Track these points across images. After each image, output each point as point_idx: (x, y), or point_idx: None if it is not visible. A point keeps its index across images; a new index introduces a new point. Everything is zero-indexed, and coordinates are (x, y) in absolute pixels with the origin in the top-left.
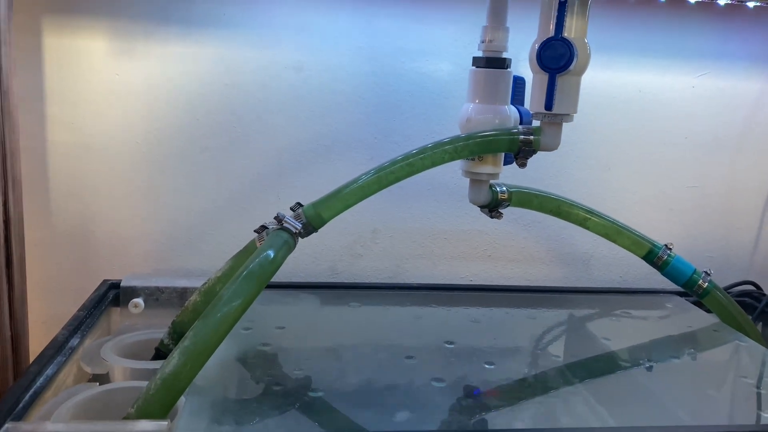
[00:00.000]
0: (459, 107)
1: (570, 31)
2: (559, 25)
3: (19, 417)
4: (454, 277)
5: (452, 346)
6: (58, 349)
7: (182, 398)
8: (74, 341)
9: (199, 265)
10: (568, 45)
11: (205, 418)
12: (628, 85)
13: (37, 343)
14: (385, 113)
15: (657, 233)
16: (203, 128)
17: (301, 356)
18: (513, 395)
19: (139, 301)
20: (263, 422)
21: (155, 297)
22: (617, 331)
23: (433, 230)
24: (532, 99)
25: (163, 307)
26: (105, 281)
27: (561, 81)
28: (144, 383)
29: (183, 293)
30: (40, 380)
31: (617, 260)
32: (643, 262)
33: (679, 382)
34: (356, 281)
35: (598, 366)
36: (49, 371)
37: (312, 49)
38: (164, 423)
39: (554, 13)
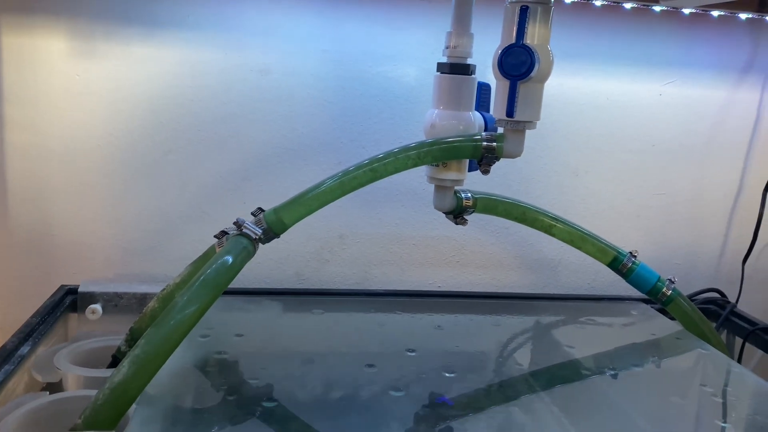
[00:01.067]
0: (424, 111)
1: (532, 38)
2: (521, 31)
3: None
4: (423, 284)
5: (413, 354)
6: (6, 357)
7: (133, 407)
8: (24, 349)
9: (162, 270)
10: (529, 52)
11: (155, 428)
12: (596, 92)
13: None
14: (352, 117)
15: (624, 240)
16: (166, 131)
17: (259, 365)
18: (472, 405)
19: (97, 307)
20: None
21: (114, 303)
22: (581, 339)
23: (402, 236)
24: (495, 106)
25: (122, 314)
26: (62, 286)
27: (523, 88)
28: (92, 391)
29: (142, 299)
30: None
31: (585, 267)
32: (610, 271)
33: (641, 391)
34: (322, 287)
35: (561, 374)
36: None
37: (278, 52)
38: None
39: (516, 20)
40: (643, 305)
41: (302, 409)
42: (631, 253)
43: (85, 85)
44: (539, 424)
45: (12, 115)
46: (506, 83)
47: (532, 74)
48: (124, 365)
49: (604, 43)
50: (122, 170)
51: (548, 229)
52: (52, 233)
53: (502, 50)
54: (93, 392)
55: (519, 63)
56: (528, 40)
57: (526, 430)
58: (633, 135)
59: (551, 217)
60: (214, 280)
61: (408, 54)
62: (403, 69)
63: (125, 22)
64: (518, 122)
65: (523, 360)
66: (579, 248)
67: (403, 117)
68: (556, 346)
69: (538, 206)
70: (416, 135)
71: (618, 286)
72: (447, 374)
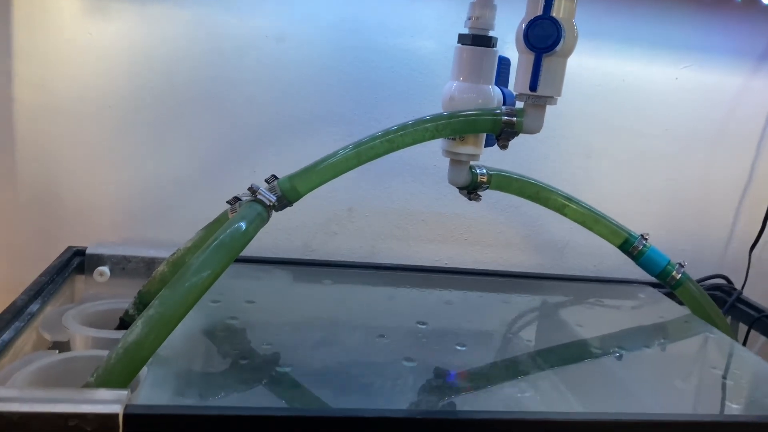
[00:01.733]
0: (441, 86)
1: (558, 11)
2: (548, 3)
3: None
4: (429, 260)
5: (424, 326)
6: (16, 314)
7: (144, 369)
8: (34, 307)
9: (169, 235)
10: (556, 24)
11: (167, 389)
12: (612, 74)
13: None
14: (367, 89)
15: (632, 223)
16: (178, 95)
17: (270, 331)
18: (483, 378)
19: (105, 269)
20: (228, 396)
21: (122, 266)
22: (589, 319)
23: (410, 212)
24: (517, 79)
25: (130, 277)
26: (69, 248)
27: (547, 62)
28: (106, 352)
29: (150, 263)
30: None
31: (592, 249)
32: (618, 252)
33: (649, 372)
34: (330, 259)
35: (569, 353)
36: (5, 336)
37: (294, 19)
38: (123, 392)
39: None
40: (651, 289)
41: (314, 376)
42: (642, 235)
43: (98, 44)
44: (545, 400)
45: (21, 72)
46: (530, 56)
47: (558, 48)
48: (138, 325)
49: (622, 24)
50: (132, 133)
51: (561, 209)
52: (58, 194)
53: (528, 22)
54: (102, 353)
55: (545, 35)
56: (555, 13)
57: (533, 406)
58: (647, 118)
59: (565, 197)
60: (228, 245)
61: (425, 26)
62: (420, 41)
63: None
64: (540, 97)
65: (532, 338)
66: (591, 229)
67: (418, 90)
68: (564, 326)
69: (551, 185)
70: (431, 108)
71: (624, 269)
72: (458, 347)
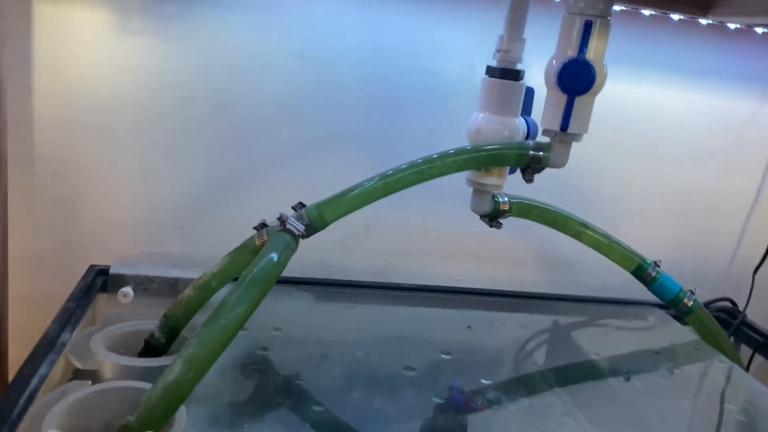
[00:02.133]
0: (461, 107)
1: (591, 52)
2: (583, 46)
3: (15, 425)
4: (443, 276)
5: (449, 357)
6: (50, 346)
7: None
8: (65, 336)
9: (186, 251)
10: (590, 68)
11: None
12: (628, 96)
13: (17, 321)
14: (387, 109)
15: (641, 242)
16: (198, 111)
17: (300, 364)
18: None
19: (129, 290)
20: None
21: (144, 286)
22: (605, 344)
23: (426, 229)
24: (545, 115)
25: (153, 297)
26: (92, 267)
27: (577, 102)
28: (137, 383)
29: (174, 283)
30: (34, 381)
31: (601, 267)
32: (624, 270)
33: (663, 399)
34: (346, 275)
35: (592, 385)
36: (42, 371)
37: (316, 38)
38: None
39: (578, 34)
40: (659, 311)
41: (349, 416)
42: (655, 262)
43: (119, 60)
44: None
45: (42, 86)
46: (560, 95)
47: (591, 90)
48: (177, 365)
49: (641, 48)
50: (151, 149)
51: (577, 236)
52: (77, 208)
53: (563, 65)
54: (134, 384)
55: (579, 78)
56: (588, 55)
57: None
58: (659, 141)
59: (581, 223)
60: (262, 279)
61: (448, 48)
62: (442, 63)
63: None
64: (568, 134)
65: (556, 370)
66: (605, 255)
67: (438, 111)
68: (583, 354)
69: (568, 211)
70: (451, 130)
71: (630, 287)
72: (483, 380)
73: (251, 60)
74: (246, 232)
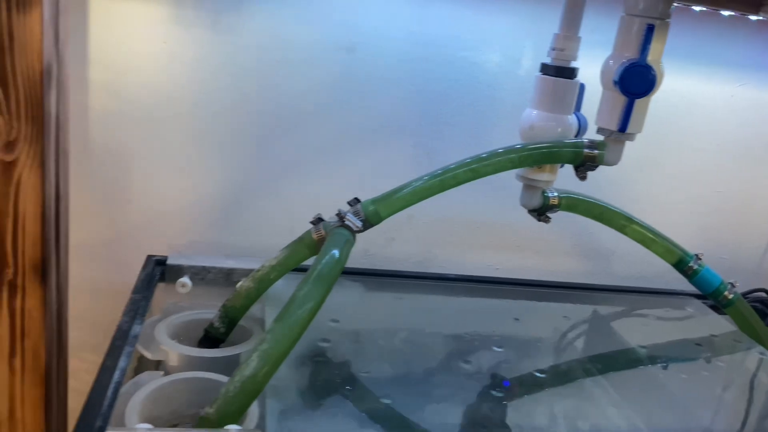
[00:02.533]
0: (506, 99)
1: (651, 55)
2: (645, 49)
3: (107, 417)
4: (481, 265)
5: (501, 350)
6: (125, 339)
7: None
8: (136, 329)
9: (236, 241)
10: (651, 72)
11: (290, 422)
12: (671, 90)
13: (74, 307)
14: (432, 101)
15: (677, 233)
16: (248, 103)
17: (361, 355)
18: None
19: (187, 280)
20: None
21: (201, 276)
22: (651, 336)
23: (467, 219)
24: (601, 114)
25: (209, 287)
26: (150, 257)
27: (636, 104)
28: (205, 374)
29: (229, 273)
30: (117, 375)
31: (638, 257)
32: (660, 260)
33: (708, 389)
34: (388, 266)
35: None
36: (122, 363)
37: (365, 31)
38: None
39: (640, 37)
40: (696, 301)
41: (416, 408)
42: (696, 255)
43: (171, 52)
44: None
45: (96, 79)
46: (617, 95)
47: (651, 93)
48: (253, 359)
49: (685, 43)
50: (201, 140)
51: (622, 229)
52: (130, 198)
53: (624, 68)
54: (202, 374)
55: (641, 82)
56: (649, 58)
57: None
58: (700, 133)
59: (626, 217)
60: (327, 275)
61: (493, 40)
62: (487, 55)
63: None
64: (624, 134)
65: (603, 363)
66: (648, 248)
67: (483, 103)
68: (626, 343)
69: (613, 205)
70: (495, 121)
71: (667, 276)
72: (537, 374)
73: (301, 52)
74: (293, 222)
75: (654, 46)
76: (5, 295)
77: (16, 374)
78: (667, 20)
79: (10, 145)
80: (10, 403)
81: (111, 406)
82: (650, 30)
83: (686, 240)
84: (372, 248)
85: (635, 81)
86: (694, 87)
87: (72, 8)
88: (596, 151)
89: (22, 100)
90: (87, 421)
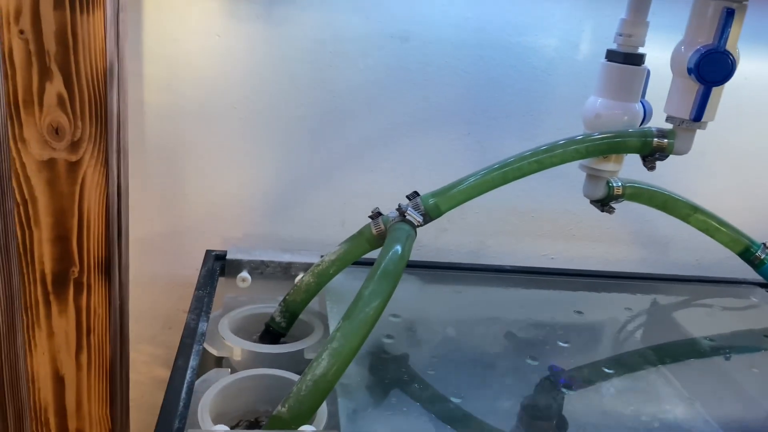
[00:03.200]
0: (563, 84)
1: (729, 41)
2: (723, 35)
3: (184, 417)
4: (535, 255)
5: (567, 345)
6: (193, 337)
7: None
8: (203, 326)
9: (289, 233)
10: (730, 59)
11: (363, 425)
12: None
13: (134, 300)
14: (486, 88)
15: (736, 219)
16: (301, 96)
17: (425, 353)
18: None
19: (247, 275)
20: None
21: (260, 271)
22: (716, 327)
23: (520, 208)
24: (671, 102)
25: (268, 281)
26: (209, 252)
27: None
28: (272, 370)
29: (287, 267)
30: (189, 375)
31: (695, 244)
32: (719, 247)
33: None
34: (440, 257)
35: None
36: (193, 363)
37: (419, 19)
38: None
39: (719, 23)
40: (761, 290)
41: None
42: (764, 244)
43: (225, 46)
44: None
45: (150, 74)
46: (692, 84)
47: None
48: (323, 358)
49: (750, 23)
50: (255, 133)
51: (685, 218)
52: (185, 193)
53: (701, 55)
54: (269, 371)
55: (719, 70)
56: (728, 44)
57: None
58: (764, 116)
59: (690, 206)
60: (391, 272)
61: (550, 24)
62: (544, 39)
63: None
64: (696, 122)
65: (673, 360)
66: (712, 237)
67: (538, 89)
68: (694, 336)
69: (677, 194)
70: (549, 108)
71: (725, 264)
72: (606, 369)
73: (354, 43)
74: (344, 214)
75: (732, 31)
76: (71, 292)
77: (82, 369)
78: (745, 2)
79: (74, 145)
80: (78, 396)
81: (187, 406)
82: (730, 14)
83: (752, 225)
84: (424, 239)
85: (714, 69)
86: (759, 68)
87: (129, 5)
88: (666, 140)
89: (86, 100)
90: (166, 423)
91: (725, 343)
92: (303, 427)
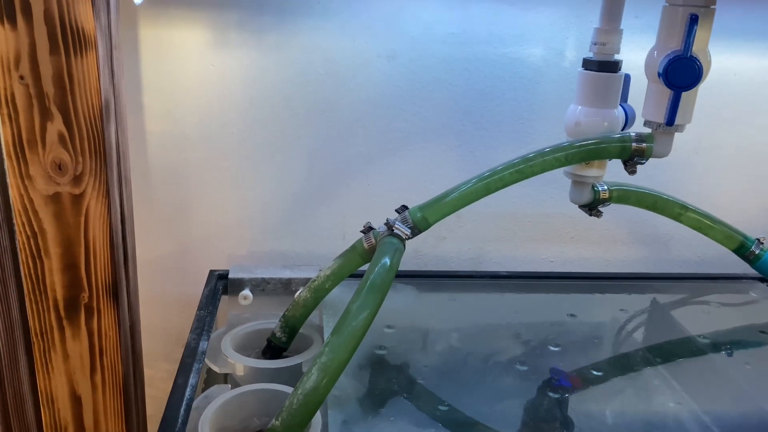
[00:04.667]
0: (551, 92)
1: (696, 45)
2: (688, 42)
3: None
4: (535, 258)
5: (558, 349)
6: (194, 356)
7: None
8: (203, 345)
9: (292, 248)
10: (697, 64)
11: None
12: (724, 68)
13: (146, 320)
14: (475, 99)
15: (737, 215)
16: (296, 117)
17: (416, 362)
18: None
19: (248, 293)
20: None
21: (261, 288)
22: (713, 324)
23: (517, 214)
24: (647, 107)
25: (269, 297)
26: (212, 272)
27: (683, 95)
28: (271, 385)
29: (287, 284)
30: (188, 392)
31: (696, 241)
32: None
33: None
34: (438, 263)
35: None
36: (192, 381)
37: (405, 37)
38: None
39: (682, 28)
40: (762, 285)
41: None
42: (758, 239)
43: (219, 74)
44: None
45: (150, 105)
46: (664, 90)
47: (698, 84)
48: (313, 372)
49: (736, 17)
50: (254, 155)
51: (677, 217)
52: (189, 214)
53: (669, 61)
54: (269, 386)
55: (686, 75)
56: (694, 48)
57: None
58: (757, 111)
59: (680, 205)
60: (379, 284)
61: (535, 34)
62: (530, 49)
63: (258, 11)
64: (673, 126)
65: (669, 366)
66: (706, 234)
67: (526, 98)
68: (691, 335)
69: (666, 193)
70: (539, 116)
71: (727, 260)
72: (594, 372)
73: (344, 63)
74: (345, 228)
75: (699, 35)
76: (83, 317)
77: (97, 389)
78: (712, 6)
79: (77, 179)
80: (95, 415)
81: (185, 423)
82: (694, 20)
83: (748, 222)
84: (423, 248)
85: (680, 74)
86: (747, 63)
87: (123, 39)
88: (644, 144)
89: (85, 136)
90: None
91: (720, 340)
92: None
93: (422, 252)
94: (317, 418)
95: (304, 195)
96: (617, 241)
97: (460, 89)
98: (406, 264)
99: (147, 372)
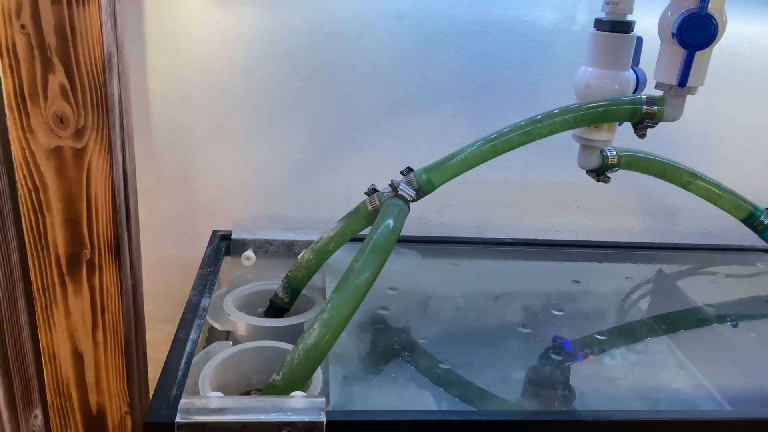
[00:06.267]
0: (561, 57)
1: (712, 3)
2: None
3: (182, 385)
4: (541, 228)
5: (561, 313)
6: (195, 312)
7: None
8: (205, 302)
9: (296, 212)
10: (712, 22)
11: (352, 387)
12: (738, 35)
13: (149, 283)
14: (483, 63)
15: (749, 187)
16: (300, 78)
17: (420, 322)
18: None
19: (251, 254)
20: (400, 395)
21: (264, 249)
22: (719, 294)
23: (524, 182)
24: (659, 68)
25: (272, 259)
26: (215, 233)
27: (697, 56)
28: (271, 342)
29: (291, 245)
30: (189, 346)
31: (704, 213)
32: (728, 214)
33: None
34: (443, 230)
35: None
36: (193, 336)
37: None
38: (322, 400)
39: None
40: (767, 256)
41: (473, 373)
42: (767, 209)
43: (223, 32)
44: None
45: (154, 63)
46: (675, 48)
47: (713, 44)
48: (315, 328)
49: None
50: (257, 117)
51: (686, 186)
52: (193, 176)
53: (682, 19)
54: (268, 343)
55: (701, 33)
56: (710, 7)
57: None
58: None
59: (689, 173)
60: (382, 245)
61: None
62: (540, 12)
63: None
64: (685, 88)
65: (673, 331)
66: (715, 204)
67: (535, 62)
68: (697, 304)
69: (675, 161)
70: (549, 80)
71: (735, 231)
72: (599, 336)
73: (350, 24)
74: (349, 192)
75: None
76: (84, 273)
77: (99, 346)
78: None
79: (79, 133)
80: (96, 372)
81: (185, 375)
82: None
83: (759, 194)
84: (428, 215)
85: (695, 32)
86: (763, 31)
87: None
88: (655, 107)
89: (87, 89)
90: (163, 391)
91: (725, 309)
92: (294, 393)
93: (427, 219)
94: (318, 374)
95: (308, 159)
96: (624, 212)
97: (468, 52)
98: (410, 230)
99: (149, 334)
